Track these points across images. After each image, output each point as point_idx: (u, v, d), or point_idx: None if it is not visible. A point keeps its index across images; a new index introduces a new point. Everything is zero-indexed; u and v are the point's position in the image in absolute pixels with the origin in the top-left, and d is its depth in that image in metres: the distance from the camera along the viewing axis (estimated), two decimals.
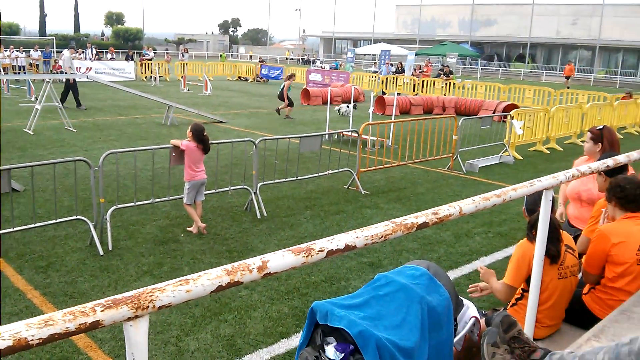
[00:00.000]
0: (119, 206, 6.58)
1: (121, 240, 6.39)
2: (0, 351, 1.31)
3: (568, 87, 27.69)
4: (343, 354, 2.84)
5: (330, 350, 2.86)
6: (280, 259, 1.96)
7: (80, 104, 18.73)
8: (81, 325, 1.44)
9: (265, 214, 7.48)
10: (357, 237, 2.25)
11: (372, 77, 29.92)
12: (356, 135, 9.28)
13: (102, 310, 1.48)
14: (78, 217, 6.22)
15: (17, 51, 31.09)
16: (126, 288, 5.20)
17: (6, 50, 30.79)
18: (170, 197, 7.08)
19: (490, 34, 64.41)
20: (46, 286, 5.23)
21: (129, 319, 1.55)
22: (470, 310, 3.35)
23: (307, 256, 2.03)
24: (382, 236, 2.39)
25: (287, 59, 66.86)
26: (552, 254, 3.42)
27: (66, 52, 21.90)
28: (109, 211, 6.34)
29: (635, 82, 47.90)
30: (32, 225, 6.22)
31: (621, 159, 3.93)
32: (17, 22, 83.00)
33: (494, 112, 17.44)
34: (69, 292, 5.11)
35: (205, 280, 1.72)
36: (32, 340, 1.35)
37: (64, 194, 8.05)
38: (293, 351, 4.22)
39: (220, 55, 49.82)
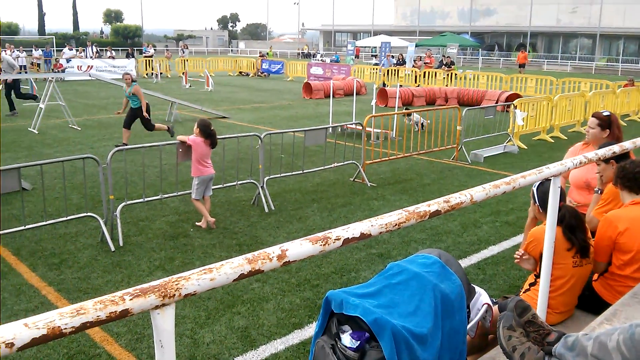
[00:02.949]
0: (128, 202, 6.62)
1: (132, 236, 6.45)
2: (36, 340, 1.35)
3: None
4: (359, 342, 2.87)
5: (346, 338, 2.90)
6: (299, 248, 2.00)
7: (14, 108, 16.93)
8: (111, 314, 1.47)
9: (272, 208, 7.52)
10: (372, 225, 2.29)
11: (374, 69, 29.88)
12: (360, 127, 9.30)
13: (131, 299, 1.52)
14: (88, 214, 6.27)
15: (17, 50, 31.07)
16: (139, 283, 5.22)
17: (4, 50, 30.82)
18: (179, 193, 7.12)
19: (490, 24, 64.19)
20: (60, 282, 5.29)
21: (157, 307, 1.59)
22: (482, 297, 3.39)
23: (324, 245, 2.06)
24: (397, 224, 2.43)
25: (299, 54, 66.25)
26: (582, 246, 3.45)
27: (4, 54, 19.56)
28: (119, 207, 6.39)
29: (636, 70, 47.67)
30: (43, 223, 6.28)
31: (627, 144, 3.94)
32: (16, 21, 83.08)
33: (496, 102, 17.43)
34: (82, 288, 5.17)
35: (228, 269, 1.76)
36: (66, 329, 1.39)
37: (72, 192, 8.10)
38: (307, 342, 4.27)
39: (268, 53, 49.12)
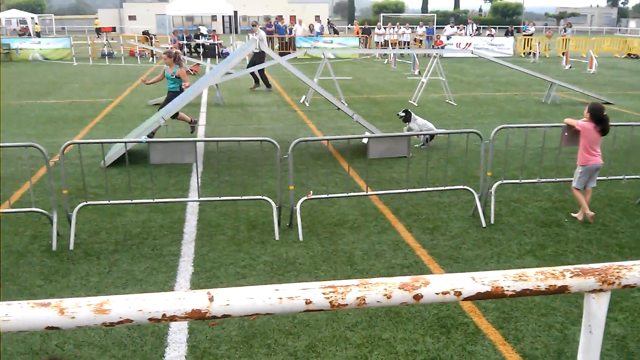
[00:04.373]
0: (504, 182, 6.59)
1: (503, 216, 6.43)
2: (480, 294, 1.38)
3: None
4: None
5: None
6: None
7: (257, 81, 17.78)
8: (550, 287, 1.42)
9: None
10: None
11: None
12: None
13: (571, 277, 1.44)
14: (464, 187, 6.48)
15: (403, 27, 33.94)
16: (508, 264, 5.21)
17: (393, 27, 33.91)
18: (556, 179, 6.79)
19: None
20: (433, 247, 5.62)
21: (594, 290, 1.48)
22: None
23: None
24: None
25: None
26: None
27: (261, 31, 19.42)
28: (494, 185, 6.41)
29: None
30: (421, 189, 6.75)
31: None
32: (403, 0, 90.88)
33: None
34: (453, 256, 5.39)
35: None
36: (507, 290, 1.39)
37: (448, 164, 8.47)
38: None
39: None
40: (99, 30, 35.71)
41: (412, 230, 6.09)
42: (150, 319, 1.13)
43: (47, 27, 61.54)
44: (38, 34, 42.85)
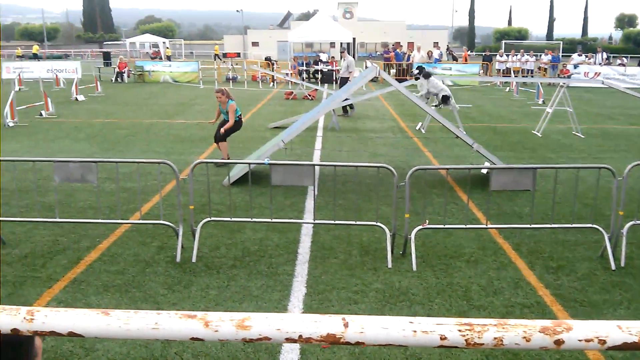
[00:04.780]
0: (637, 222, 6.09)
1: (635, 259, 5.95)
2: (627, 345, 1.28)
3: None
4: None
5: None
6: None
7: (347, 111, 17.51)
8: None
9: None
10: None
11: None
12: None
13: None
14: (592, 225, 6.07)
15: (527, 55, 32.68)
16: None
17: (517, 54, 32.74)
18: None
19: None
20: (556, 287, 5.31)
21: None
22: None
23: None
24: None
25: None
26: None
27: (349, 57, 19.35)
28: (627, 226, 5.95)
29: None
30: (545, 226, 6.42)
31: None
32: (526, 27, 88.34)
33: None
34: (579, 299, 5.05)
35: None
36: None
37: (575, 200, 8.00)
38: None
39: None
40: (224, 55, 37.81)
41: (534, 268, 5.79)
42: (287, 339, 1.16)
43: (177, 51, 66.22)
44: (169, 58, 46.16)
